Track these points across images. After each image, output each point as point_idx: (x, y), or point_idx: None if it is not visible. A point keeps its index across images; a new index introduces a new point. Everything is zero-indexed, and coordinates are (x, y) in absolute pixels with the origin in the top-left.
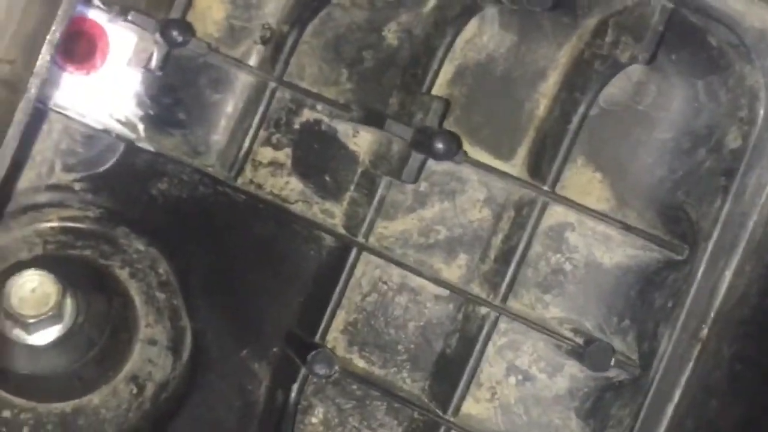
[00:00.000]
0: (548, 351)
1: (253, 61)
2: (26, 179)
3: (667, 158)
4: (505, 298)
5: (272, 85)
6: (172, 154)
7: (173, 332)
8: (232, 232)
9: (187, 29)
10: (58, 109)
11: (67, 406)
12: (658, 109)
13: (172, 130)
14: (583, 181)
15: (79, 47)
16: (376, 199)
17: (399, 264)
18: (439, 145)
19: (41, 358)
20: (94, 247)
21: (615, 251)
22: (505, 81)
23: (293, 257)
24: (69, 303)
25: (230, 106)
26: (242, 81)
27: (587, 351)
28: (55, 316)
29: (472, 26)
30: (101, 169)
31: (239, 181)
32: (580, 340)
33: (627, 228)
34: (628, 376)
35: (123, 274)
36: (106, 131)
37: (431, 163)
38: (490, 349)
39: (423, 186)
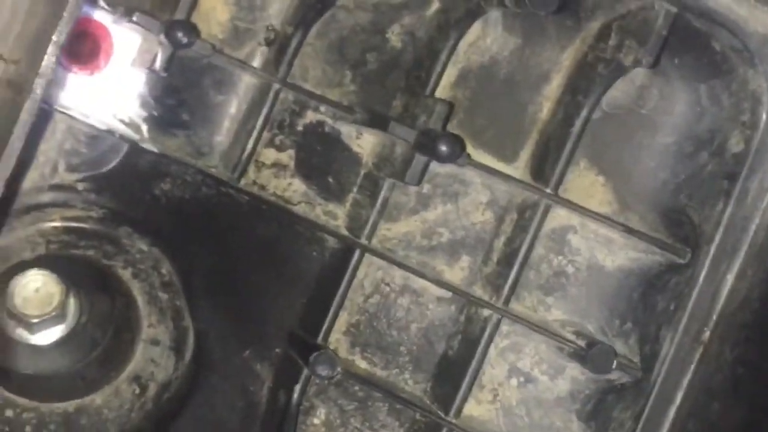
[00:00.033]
0: (550, 353)
1: (256, 62)
2: (29, 179)
3: (669, 162)
4: (507, 301)
5: (276, 86)
6: (176, 154)
7: (176, 332)
8: (235, 233)
9: (192, 30)
10: (61, 109)
11: (70, 405)
12: (661, 112)
13: (175, 131)
14: (585, 184)
15: (83, 48)
16: (379, 200)
17: (401, 266)
18: (443, 148)
19: (44, 357)
20: (97, 247)
21: (617, 254)
22: (509, 84)
23: (296, 258)
24: (72, 303)
25: (234, 107)
26: (246, 82)
27: (589, 353)
28: (59, 316)
29: (475, 29)
30: (104, 170)
31: (242, 182)
32: (582, 343)
33: (629, 231)
34: (629, 378)
35: (126, 274)
36: (110, 132)
37: (434, 166)
38: (492, 351)
39: (426, 188)
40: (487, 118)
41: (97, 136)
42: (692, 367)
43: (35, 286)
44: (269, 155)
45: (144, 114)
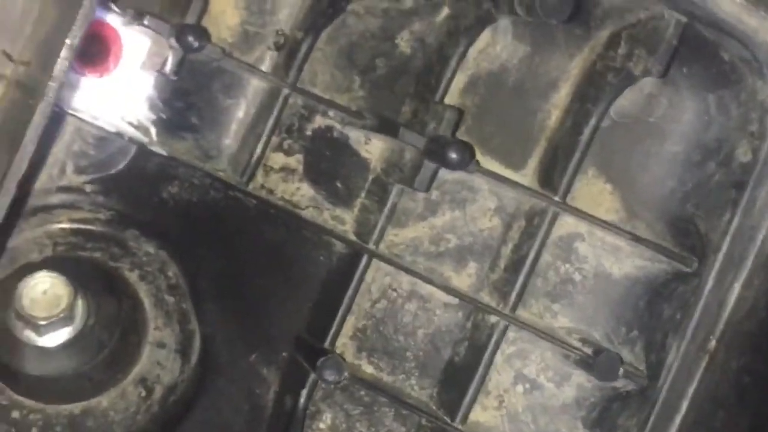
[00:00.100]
0: (556, 360)
1: (266, 66)
2: (37, 180)
3: (677, 171)
4: (514, 307)
5: (285, 91)
6: (184, 158)
7: (182, 335)
8: (243, 237)
9: (203, 34)
10: (71, 111)
11: (76, 407)
12: (669, 121)
13: (184, 134)
14: (593, 192)
15: (93, 50)
16: (388, 206)
17: (409, 271)
18: (453, 155)
19: (51, 359)
20: (104, 249)
21: (624, 262)
22: (518, 91)
23: (303, 263)
24: (80, 305)
25: (243, 111)
26: (255, 86)
27: (595, 361)
28: (67, 318)
29: (485, 36)
30: (113, 172)
31: (250, 186)
32: (588, 350)
33: (636, 239)
34: (635, 386)
35: (132, 276)
36: (119, 134)
37: (443, 172)
38: (499, 357)
39: (434, 194)
40: (496, 125)
41: (105, 139)
42: (698, 375)
43: (43, 288)
44: (278, 159)
45: (153, 117)
